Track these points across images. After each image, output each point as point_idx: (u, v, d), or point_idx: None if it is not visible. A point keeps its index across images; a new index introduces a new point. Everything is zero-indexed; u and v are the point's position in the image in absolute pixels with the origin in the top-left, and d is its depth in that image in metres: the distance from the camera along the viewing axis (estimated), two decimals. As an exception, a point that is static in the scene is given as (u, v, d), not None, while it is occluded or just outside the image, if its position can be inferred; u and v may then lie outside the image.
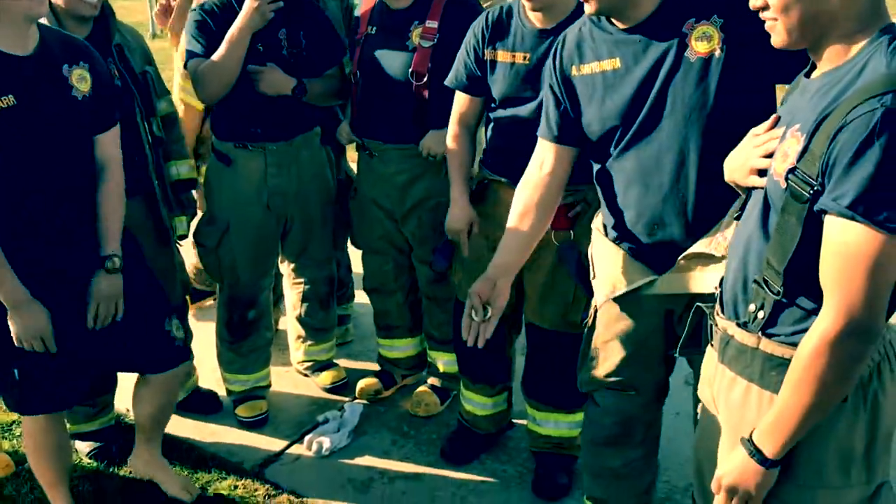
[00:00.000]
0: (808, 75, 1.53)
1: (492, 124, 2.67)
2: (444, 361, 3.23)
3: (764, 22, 1.52)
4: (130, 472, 2.84)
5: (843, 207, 1.29)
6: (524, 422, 2.95)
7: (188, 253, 3.21)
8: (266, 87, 2.87)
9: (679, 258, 1.98)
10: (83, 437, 2.99)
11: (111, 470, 2.91)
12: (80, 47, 2.31)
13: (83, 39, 2.41)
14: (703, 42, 1.87)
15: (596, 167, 2.15)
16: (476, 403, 3.00)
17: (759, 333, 1.51)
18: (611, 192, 2.10)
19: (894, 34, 1.39)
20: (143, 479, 2.79)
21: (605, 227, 2.19)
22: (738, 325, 1.57)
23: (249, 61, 2.84)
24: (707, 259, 1.96)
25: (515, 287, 2.73)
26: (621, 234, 2.13)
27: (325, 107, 3.11)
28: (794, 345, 1.45)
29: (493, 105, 2.63)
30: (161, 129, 2.82)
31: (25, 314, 2.21)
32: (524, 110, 2.50)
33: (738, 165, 1.64)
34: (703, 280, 1.98)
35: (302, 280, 3.30)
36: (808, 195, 1.36)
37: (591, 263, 2.24)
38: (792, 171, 1.39)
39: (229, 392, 3.28)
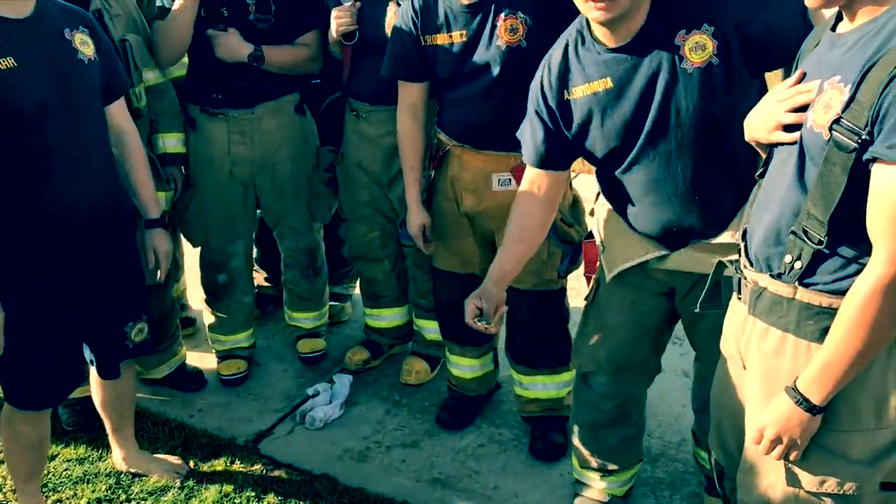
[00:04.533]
0: (833, 29, 1.55)
1: (443, 102, 2.69)
2: (430, 330, 3.22)
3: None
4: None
5: None
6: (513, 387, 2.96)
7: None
8: (222, 53, 2.83)
9: (693, 241, 2.03)
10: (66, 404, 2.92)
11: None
12: (78, 13, 2.23)
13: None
14: (698, 52, 1.87)
15: (601, 178, 2.16)
16: (463, 367, 3.01)
17: (796, 283, 1.54)
18: (622, 202, 2.12)
19: None
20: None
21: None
22: (772, 276, 1.59)
23: (213, 24, 2.80)
24: (727, 248, 1.98)
25: (490, 249, 2.78)
26: (637, 228, 2.14)
27: (303, 75, 3.04)
28: (835, 292, 1.48)
29: (439, 85, 2.65)
30: (141, 99, 2.73)
31: None
32: (471, 86, 2.54)
33: (760, 122, 1.65)
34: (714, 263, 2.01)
35: (284, 247, 3.28)
36: (855, 145, 1.38)
37: (599, 237, 2.26)
38: (836, 121, 1.41)
39: (215, 351, 3.30)
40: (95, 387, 2.60)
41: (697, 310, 1.92)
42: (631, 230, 2.14)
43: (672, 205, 2.02)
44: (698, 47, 1.87)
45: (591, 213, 2.39)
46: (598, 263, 2.31)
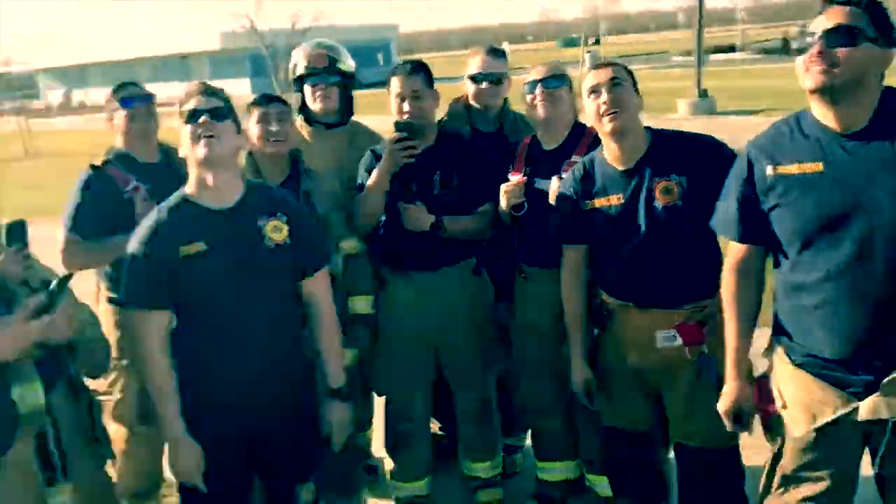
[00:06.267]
0: None
1: (604, 262, 2.78)
2: (601, 486, 3.20)
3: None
4: None
5: None
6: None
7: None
8: (407, 223, 3.15)
9: (883, 382, 1.98)
10: None
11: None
12: (278, 199, 2.51)
13: (280, 185, 2.73)
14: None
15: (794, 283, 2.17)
16: (639, 528, 2.94)
17: None
18: (806, 313, 2.12)
19: None
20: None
21: (786, 353, 2.20)
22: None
23: (403, 198, 3.15)
24: None
25: (657, 405, 2.79)
26: (812, 358, 2.13)
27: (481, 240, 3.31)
28: None
29: (599, 246, 2.77)
30: (337, 268, 3.09)
31: (181, 450, 2.36)
32: (630, 246, 2.63)
33: None
34: None
35: (459, 399, 3.42)
36: None
37: (777, 393, 2.23)
38: None
39: (395, 498, 3.42)
40: None
41: (881, 472, 1.85)
42: (809, 377, 2.11)
43: (867, 317, 1.99)
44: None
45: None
46: (773, 407, 2.26)
